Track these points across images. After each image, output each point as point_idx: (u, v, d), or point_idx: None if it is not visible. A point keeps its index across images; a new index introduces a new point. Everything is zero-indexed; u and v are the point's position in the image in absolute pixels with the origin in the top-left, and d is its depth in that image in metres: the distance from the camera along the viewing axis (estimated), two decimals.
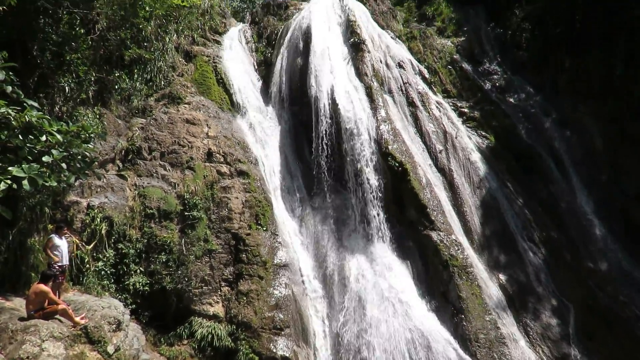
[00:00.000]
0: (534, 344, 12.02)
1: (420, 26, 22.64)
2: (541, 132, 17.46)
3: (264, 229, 13.22)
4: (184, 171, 13.88)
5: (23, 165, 7.16)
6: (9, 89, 7.82)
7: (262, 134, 17.33)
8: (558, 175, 16.10)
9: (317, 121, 15.95)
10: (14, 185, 6.97)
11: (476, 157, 16.31)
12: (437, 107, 17.86)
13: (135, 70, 15.93)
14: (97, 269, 11.20)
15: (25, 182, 7.03)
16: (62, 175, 8.15)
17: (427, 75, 19.60)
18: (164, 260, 11.99)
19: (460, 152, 16.19)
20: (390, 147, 14.87)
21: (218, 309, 11.75)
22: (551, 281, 13.44)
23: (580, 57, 17.93)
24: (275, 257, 12.76)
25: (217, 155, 14.59)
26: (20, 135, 7.51)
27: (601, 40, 17.25)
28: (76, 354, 7.84)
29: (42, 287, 8.19)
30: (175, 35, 18.13)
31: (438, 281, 13.00)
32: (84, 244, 11.22)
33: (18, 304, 8.76)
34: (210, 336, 10.97)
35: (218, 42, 21.01)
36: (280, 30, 21.47)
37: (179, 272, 11.87)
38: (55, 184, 7.80)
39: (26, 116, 7.51)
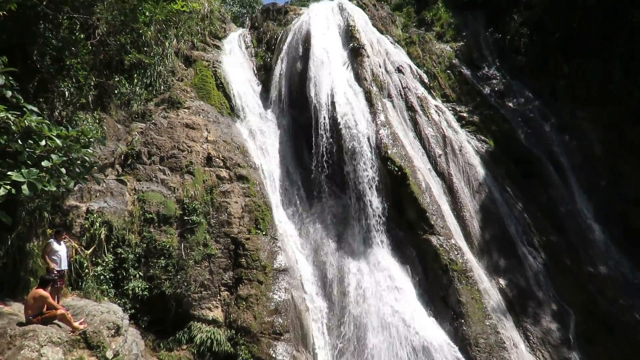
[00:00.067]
0: (534, 349, 11.99)
1: (419, 31, 22.74)
2: (540, 137, 17.50)
3: (264, 233, 13.22)
4: (184, 176, 13.88)
5: (22, 170, 7.15)
6: (9, 93, 7.83)
7: (261, 138, 17.35)
8: (557, 180, 16.11)
9: (316, 126, 15.98)
10: (13, 191, 6.96)
11: (475, 161, 16.33)
12: (436, 111, 17.90)
13: (135, 75, 15.95)
14: (96, 273, 11.17)
15: (24, 187, 7.03)
16: (61, 180, 8.14)
17: (426, 80, 19.66)
18: (163, 264, 11.97)
19: (459, 157, 16.21)
20: (389, 151, 14.89)
21: (217, 313, 11.72)
22: (551, 286, 13.42)
23: (579, 63, 17.98)
24: (275, 262, 12.74)
25: (217, 159, 14.60)
26: (19, 140, 7.52)
27: (600, 46, 17.32)
28: (75, 359, 7.80)
29: (41, 292, 8.17)
30: (175, 40, 18.17)
31: (438, 286, 12.98)
32: (83, 248, 11.19)
33: (17, 309, 8.73)
34: (209, 341, 10.94)
35: (218, 47, 21.08)
36: (280, 35, 21.54)
37: (178, 276, 11.84)
38: (54, 188, 7.79)
39: (26, 121, 7.52)
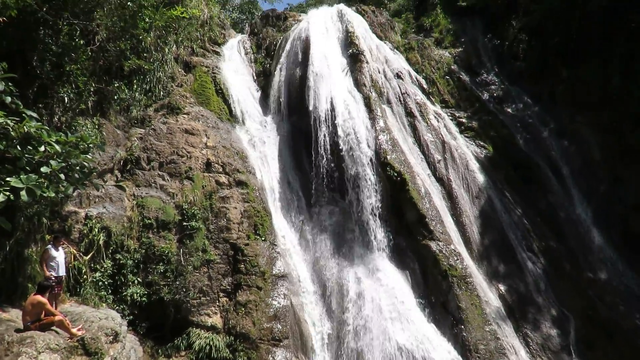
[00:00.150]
0: (534, 355, 11.94)
1: (418, 37, 22.84)
2: (539, 142, 17.53)
3: (263, 239, 13.19)
4: (183, 181, 13.87)
5: (21, 176, 7.16)
6: (8, 99, 7.85)
7: (261, 144, 17.37)
8: (556, 185, 16.12)
9: (316, 131, 16.01)
10: (12, 196, 6.96)
11: (474, 167, 16.34)
12: (435, 117, 17.94)
13: (135, 81, 16.00)
14: (94, 279, 11.13)
15: (23, 192, 7.03)
16: (60, 185, 8.14)
17: (425, 86, 19.72)
18: (162, 270, 11.93)
19: (458, 162, 16.23)
20: (388, 157, 14.90)
21: (216, 319, 11.68)
22: (551, 291, 13.39)
23: (578, 68, 18.05)
24: (274, 268, 12.72)
25: (216, 165, 14.60)
26: (18, 146, 7.53)
27: (598, 50, 17.39)
28: None
29: (39, 298, 8.15)
30: (174, 46, 18.24)
31: (437, 291, 12.94)
32: (81, 254, 11.16)
33: (14, 315, 8.70)
34: (208, 347, 10.87)
35: (217, 53, 21.16)
36: (279, 41, 21.63)
37: (177, 282, 11.81)
38: (53, 194, 7.79)
39: (25, 127, 7.53)
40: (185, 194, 13.51)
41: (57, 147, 7.85)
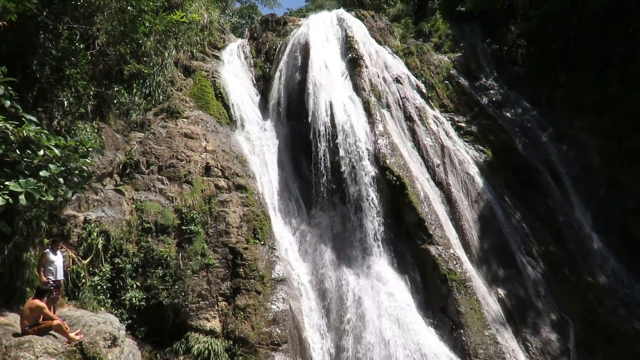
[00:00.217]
0: (533, 359, 11.93)
1: (417, 42, 22.92)
2: (538, 147, 17.57)
3: (262, 243, 13.18)
4: (182, 185, 13.87)
5: (20, 180, 7.16)
6: (8, 103, 7.87)
7: (260, 148, 17.39)
8: (555, 190, 16.13)
9: (315, 136, 16.02)
10: (11, 200, 6.96)
11: (474, 171, 16.36)
12: (434, 121, 17.98)
13: (134, 85, 16.02)
14: (93, 283, 11.12)
15: (22, 197, 7.03)
16: (59, 189, 8.14)
17: (424, 90, 19.76)
18: (160, 274, 11.92)
19: (457, 167, 16.25)
20: (388, 161, 14.92)
21: (215, 324, 11.65)
22: (550, 296, 13.37)
23: (576, 73, 18.11)
24: (273, 272, 12.70)
25: (215, 169, 14.61)
26: (17, 150, 7.54)
27: (596, 56, 17.46)
28: None
29: (37, 302, 8.13)
30: (174, 50, 18.28)
31: (437, 296, 12.93)
32: (80, 258, 11.15)
33: (12, 319, 8.67)
34: (206, 352, 10.85)
35: (217, 57, 21.21)
36: (279, 45, 21.68)
37: (176, 286, 11.78)
38: (52, 198, 7.79)
39: (24, 131, 7.54)
40: (185, 197, 13.51)
41: (56, 151, 7.86)
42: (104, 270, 11.40)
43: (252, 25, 27.71)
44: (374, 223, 14.26)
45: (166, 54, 17.23)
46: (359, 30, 20.45)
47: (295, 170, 17.03)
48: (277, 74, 19.74)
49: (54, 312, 8.97)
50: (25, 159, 7.60)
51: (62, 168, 8.08)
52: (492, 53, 22.17)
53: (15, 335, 7.81)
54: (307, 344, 11.92)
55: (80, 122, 13.10)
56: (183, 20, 14.79)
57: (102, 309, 10.72)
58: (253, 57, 22.70)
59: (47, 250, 9.56)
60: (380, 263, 13.82)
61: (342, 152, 15.27)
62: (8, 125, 7.43)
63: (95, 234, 11.56)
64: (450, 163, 16.32)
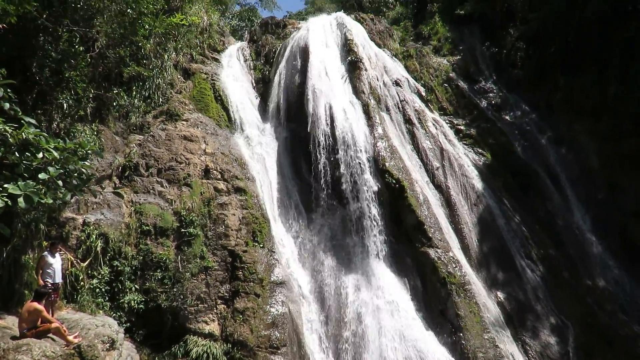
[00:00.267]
0: None
1: (416, 45, 22.98)
2: (537, 150, 17.60)
3: (261, 245, 13.16)
4: (181, 188, 13.86)
5: (19, 183, 7.14)
6: (7, 105, 7.86)
7: (259, 150, 17.38)
8: (555, 193, 16.16)
9: (314, 138, 16.04)
10: (9, 203, 6.94)
11: (473, 174, 16.37)
12: (433, 124, 18.00)
13: (134, 88, 16.03)
14: (91, 286, 11.08)
15: (20, 199, 7.00)
16: (58, 192, 8.13)
17: (423, 93, 19.80)
18: (159, 277, 11.89)
19: (457, 169, 16.26)
20: (387, 164, 14.93)
21: (214, 327, 11.61)
22: (550, 299, 13.36)
23: (575, 76, 18.15)
24: (272, 275, 12.67)
25: (214, 171, 14.60)
26: (16, 152, 7.52)
27: (595, 60, 17.51)
28: None
29: (36, 305, 8.10)
30: (174, 53, 18.32)
31: (436, 299, 12.91)
32: (78, 261, 11.13)
33: (10, 322, 8.65)
34: (205, 355, 10.78)
35: (217, 60, 21.24)
36: (279, 48, 21.72)
37: (175, 289, 11.75)
38: (50, 201, 7.77)
39: (23, 133, 7.53)
40: (184, 200, 13.49)
41: (55, 154, 7.84)
42: (102, 273, 11.37)
43: (251, 28, 27.77)
44: (373, 225, 14.27)
45: (166, 56, 17.26)
46: (358, 34, 20.50)
47: (295, 172, 17.03)
48: (277, 76, 19.76)
49: (53, 315, 8.95)
50: (24, 162, 7.58)
51: (61, 171, 8.06)
52: (491, 56, 22.24)
53: (14, 338, 7.78)
54: (306, 347, 11.88)
55: (80, 124, 13.10)
56: (183, 22, 14.81)
57: (101, 311, 10.68)
58: (252, 59, 22.74)
59: (46, 253, 9.53)
60: (380, 265, 13.81)
61: (341, 155, 15.31)
62: (7, 128, 7.42)
63: (94, 236, 11.53)
64: (450, 166, 16.34)
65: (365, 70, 18.42)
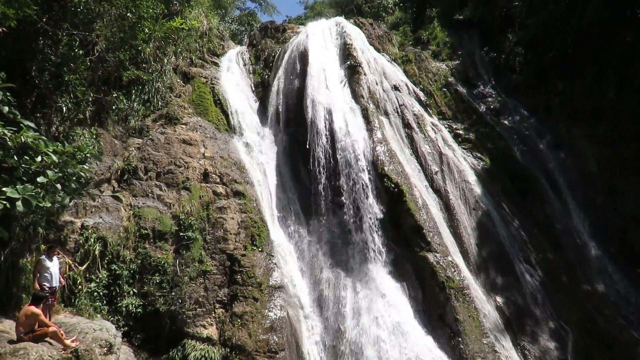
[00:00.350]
0: None
1: (415, 50, 23.04)
2: (536, 154, 17.61)
3: (260, 249, 13.14)
4: (180, 191, 13.85)
5: (17, 186, 7.13)
6: (6, 109, 7.86)
7: (258, 154, 17.39)
8: (553, 197, 16.16)
9: (313, 142, 16.05)
10: (8, 206, 6.94)
11: (472, 178, 16.37)
12: (432, 128, 18.02)
13: (133, 91, 16.06)
14: (89, 290, 11.06)
15: (19, 203, 7.00)
16: (56, 195, 8.13)
17: (422, 98, 19.83)
18: (157, 281, 11.87)
19: (456, 174, 16.26)
20: (386, 168, 14.94)
21: (212, 331, 11.57)
22: (549, 304, 13.34)
23: (574, 80, 18.19)
24: (271, 279, 12.64)
25: (213, 175, 14.60)
26: (15, 156, 7.52)
27: (593, 65, 17.56)
28: None
29: (33, 309, 8.07)
30: (173, 57, 18.35)
31: (435, 303, 12.88)
32: (76, 264, 11.10)
33: (8, 326, 8.61)
34: (203, 359, 10.77)
35: (216, 64, 21.28)
36: (278, 52, 21.77)
37: (173, 293, 11.73)
38: (49, 204, 7.76)
39: (22, 137, 7.53)
40: (182, 204, 13.48)
41: (54, 157, 7.84)
42: (100, 276, 11.34)
43: (251, 33, 27.85)
44: (371, 229, 14.25)
45: (165, 60, 17.29)
46: (357, 38, 20.55)
47: (294, 176, 17.02)
48: (276, 81, 19.80)
49: (50, 319, 8.92)
50: (22, 165, 7.58)
51: (60, 174, 8.06)
52: (490, 61, 22.29)
53: (11, 342, 7.74)
54: (304, 351, 11.84)
55: (79, 128, 13.11)
56: (182, 27, 14.81)
57: (99, 315, 10.66)
58: (252, 64, 22.80)
59: (43, 256, 9.48)
60: (378, 270, 13.79)
61: (340, 159, 15.36)
62: (6, 131, 7.42)
63: (92, 240, 11.51)
64: (449, 170, 16.34)
65: (365, 74, 18.46)
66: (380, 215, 14.49)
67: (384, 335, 11.89)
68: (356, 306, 12.69)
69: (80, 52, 12.10)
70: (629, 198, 15.24)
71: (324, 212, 15.22)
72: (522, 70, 21.20)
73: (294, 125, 18.06)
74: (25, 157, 7.68)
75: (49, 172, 7.74)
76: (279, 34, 24.34)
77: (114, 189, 13.43)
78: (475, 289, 13.19)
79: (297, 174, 16.99)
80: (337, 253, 14.39)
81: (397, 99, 18.60)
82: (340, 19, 22.16)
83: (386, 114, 17.80)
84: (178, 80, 18.54)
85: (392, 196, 14.54)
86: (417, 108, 18.85)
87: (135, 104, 15.92)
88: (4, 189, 7.00)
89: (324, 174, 15.49)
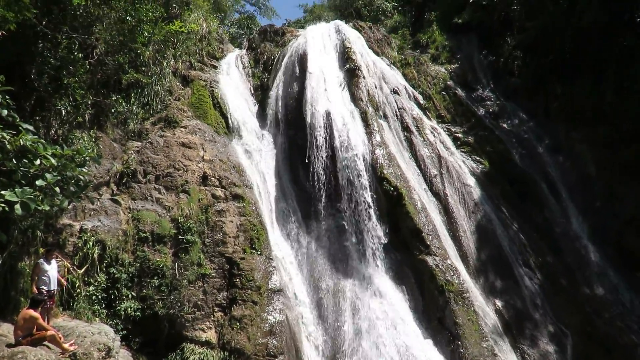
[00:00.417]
0: None
1: (414, 53, 23.11)
2: (534, 158, 17.64)
3: (259, 253, 13.11)
4: (179, 195, 13.83)
5: (16, 189, 7.11)
6: (5, 112, 7.85)
7: (257, 157, 17.38)
8: (552, 201, 16.18)
9: (312, 145, 16.06)
10: (6, 209, 6.92)
11: (471, 182, 16.39)
12: (431, 132, 18.05)
13: (133, 94, 16.05)
14: (88, 293, 11.01)
15: (17, 206, 6.98)
16: (55, 199, 8.10)
17: (421, 101, 19.88)
18: (156, 284, 11.83)
19: (455, 177, 16.28)
20: (385, 171, 14.95)
21: (211, 335, 11.53)
22: (548, 307, 13.34)
23: (572, 84, 18.25)
24: (270, 282, 12.61)
25: (212, 178, 14.58)
26: (14, 159, 7.50)
27: (592, 68, 17.61)
28: None
29: (31, 312, 8.05)
30: (172, 60, 18.37)
31: (434, 307, 12.87)
32: (75, 268, 11.06)
33: (6, 329, 8.58)
34: None
35: (215, 67, 21.31)
36: (277, 56, 21.82)
37: (172, 297, 11.69)
38: (47, 208, 7.74)
39: (21, 140, 7.52)
40: (181, 207, 13.45)
41: (53, 160, 7.82)
42: (99, 280, 11.29)
43: (250, 36, 27.89)
44: (370, 233, 14.25)
45: (164, 63, 17.30)
46: (356, 42, 20.61)
47: (293, 179, 17.01)
48: (275, 84, 19.83)
49: (48, 323, 8.88)
50: (21, 168, 7.56)
51: (59, 177, 8.04)
52: (489, 64, 22.36)
53: (9, 345, 7.72)
54: (303, 355, 11.81)
55: (78, 131, 13.09)
56: (182, 30, 14.86)
57: (97, 319, 10.61)
58: (251, 67, 22.84)
59: (41, 260, 9.45)
60: (377, 273, 13.79)
61: (339, 162, 15.37)
62: (5, 134, 7.41)
63: (91, 243, 11.47)
64: (448, 174, 16.36)
65: (364, 78, 18.50)
66: (379, 219, 14.49)
67: (383, 338, 11.86)
68: (355, 309, 12.68)
69: (80, 55, 12.09)
70: (627, 201, 15.26)
71: (323, 215, 15.22)
72: (520, 74, 21.26)
73: (293, 129, 18.07)
74: (24, 160, 7.67)
75: (48, 175, 7.72)
76: (278, 37, 24.41)
77: (113, 192, 13.40)
78: (475, 293, 13.19)
79: (296, 177, 16.98)
80: (336, 255, 14.38)
81: (396, 103, 18.64)
82: (340, 23, 22.23)
83: (385, 117, 17.83)
84: (177, 84, 18.55)
85: (391, 199, 14.54)
86: (416, 111, 18.89)
87: (134, 107, 15.91)
88: (2, 192, 6.98)
89: (322, 176, 15.49)
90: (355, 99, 17.65)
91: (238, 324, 11.50)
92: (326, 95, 17.37)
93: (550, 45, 19.18)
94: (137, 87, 16.24)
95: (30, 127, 8.13)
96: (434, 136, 17.87)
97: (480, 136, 18.41)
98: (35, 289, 9.08)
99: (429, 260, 13.24)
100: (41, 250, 10.40)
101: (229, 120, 18.14)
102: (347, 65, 18.87)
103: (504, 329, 12.68)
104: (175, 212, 13.28)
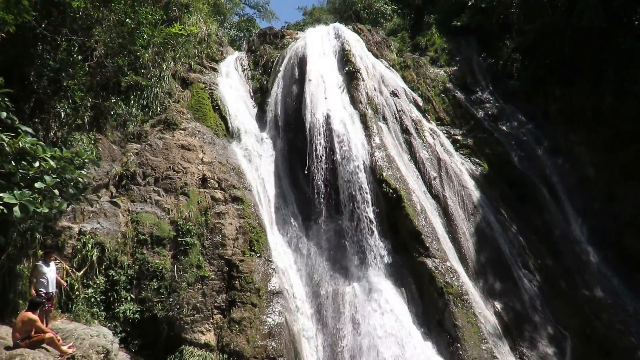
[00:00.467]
0: None
1: (413, 56, 23.16)
2: (533, 160, 17.66)
3: (258, 255, 13.10)
4: (178, 197, 13.82)
5: (15, 192, 7.11)
6: (4, 114, 7.87)
7: (257, 160, 17.38)
8: (551, 203, 16.18)
9: (312, 148, 16.06)
10: (5, 211, 6.92)
11: (470, 184, 16.40)
12: (430, 134, 18.06)
13: (132, 97, 16.06)
14: (86, 296, 10.99)
15: (16, 208, 6.98)
16: (54, 201, 8.11)
17: (420, 104, 19.90)
18: (155, 287, 11.81)
19: (454, 179, 16.28)
20: (384, 173, 14.95)
21: (210, 337, 11.51)
22: (547, 309, 13.33)
23: (571, 87, 18.26)
24: (269, 284, 12.59)
25: (212, 181, 14.58)
26: (13, 161, 7.50)
27: (590, 70, 17.63)
28: None
29: (30, 315, 8.03)
30: (172, 62, 18.39)
31: (433, 309, 12.85)
32: (74, 270, 11.04)
33: (4, 332, 8.56)
34: None
35: (215, 70, 21.33)
36: (276, 58, 21.86)
37: (171, 299, 11.67)
38: (46, 210, 7.75)
39: (20, 142, 7.52)
40: (181, 209, 13.44)
41: (52, 163, 7.83)
42: (98, 282, 11.28)
43: (250, 38, 27.95)
44: (370, 235, 14.24)
45: (164, 66, 17.33)
46: (355, 44, 20.66)
47: (292, 182, 17.02)
48: (275, 86, 19.86)
49: (47, 325, 8.87)
50: (20, 171, 7.56)
51: (58, 180, 8.05)
52: (488, 67, 22.42)
53: (7, 348, 7.70)
54: (303, 357, 11.79)
55: (77, 133, 13.09)
56: (181, 32, 14.87)
57: (96, 321, 10.59)
58: (251, 69, 22.88)
59: (40, 262, 9.42)
60: (377, 275, 13.76)
61: (338, 165, 15.38)
62: (4, 137, 7.42)
63: (89, 245, 11.46)
64: (447, 176, 16.36)
65: (363, 80, 18.52)
66: (378, 221, 14.49)
67: (383, 340, 11.84)
68: (354, 311, 12.66)
69: (79, 57, 12.09)
70: (626, 203, 15.25)
71: (323, 217, 15.20)
72: (519, 76, 21.31)
73: (292, 131, 18.09)
74: (23, 162, 7.67)
75: (47, 178, 7.73)
76: (278, 40, 24.46)
77: (112, 194, 13.39)
78: (474, 295, 13.17)
79: (296, 179, 16.98)
80: (335, 257, 14.37)
81: (395, 105, 18.65)
82: (339, 25, 22.30)
83: (384, 119, 17.85)
84: (177, 86, 18.56)
85: (391, 201, 14.54)
86: (416, 114, 18.90)
87: (133, 110, 15.92)
88: (1, 194, 6.99)
89: (321, 179, 15.48)
90: (354, 102, 17.67)
91: (237, 326, 11.48)
92: (325, 97, 17.40)
93: (549, 47, 19.21)
94: (136, 90, 16.25)
95: (30, 130, 8.14)
96: (433, 138, 17.88)
97: (479, 138, 18.43)
98: (33, 292, 9.06)
99: (429, 262, 13.23)
100: (40, 252, 10.38)
101: (229, 123, 18.15)
102: (347, 68, 18.90)
103: (503, 331, 12.65)
104: (174, 215, 13.28)
